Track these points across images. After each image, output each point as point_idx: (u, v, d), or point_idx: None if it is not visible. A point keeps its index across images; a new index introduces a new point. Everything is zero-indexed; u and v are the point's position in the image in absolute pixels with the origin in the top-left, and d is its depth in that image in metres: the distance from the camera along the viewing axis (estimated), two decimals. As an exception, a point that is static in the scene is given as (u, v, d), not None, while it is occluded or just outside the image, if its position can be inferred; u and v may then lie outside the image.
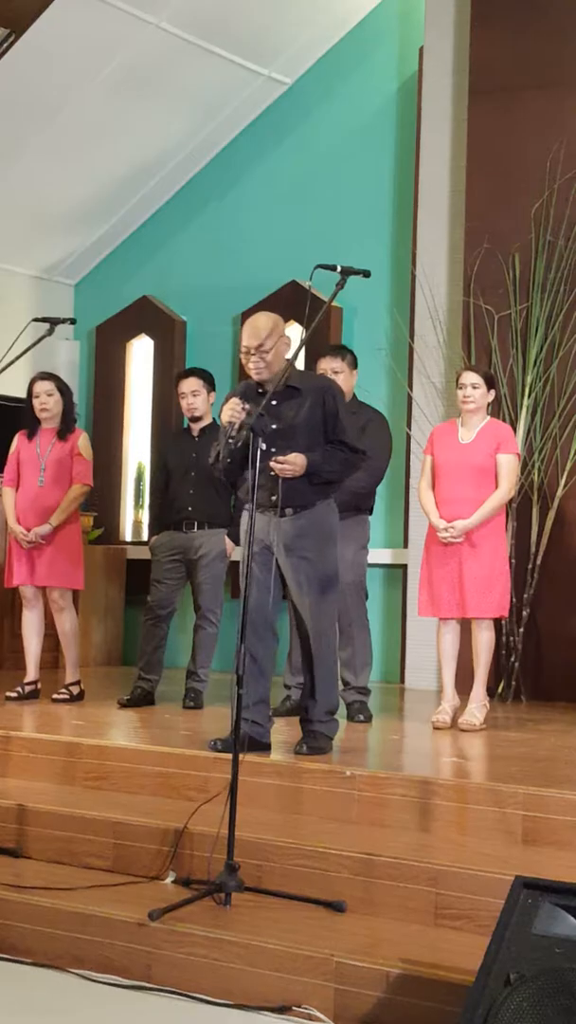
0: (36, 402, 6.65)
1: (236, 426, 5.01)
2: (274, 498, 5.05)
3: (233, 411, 5.03)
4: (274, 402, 5.15)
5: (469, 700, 5.98)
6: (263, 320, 5.19)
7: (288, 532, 5.10)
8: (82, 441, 6.66)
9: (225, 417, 5.07)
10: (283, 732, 5.59)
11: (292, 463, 5.06)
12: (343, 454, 5.23)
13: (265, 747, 5.23)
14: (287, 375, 5.04)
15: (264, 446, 4.75)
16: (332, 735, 5.32)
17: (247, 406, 5.03)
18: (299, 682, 5.89)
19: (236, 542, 6.31)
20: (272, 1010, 3.68)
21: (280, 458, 5.03)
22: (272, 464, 4.96)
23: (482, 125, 7.64)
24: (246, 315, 8.31)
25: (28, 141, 8.28)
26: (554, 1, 7.52)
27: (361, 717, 6.17)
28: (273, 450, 4.97)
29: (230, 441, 5.03)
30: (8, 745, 5.56)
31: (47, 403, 6.62)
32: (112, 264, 9.54)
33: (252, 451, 4.51)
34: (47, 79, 7.91)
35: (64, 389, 6.70)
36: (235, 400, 5.07)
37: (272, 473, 5.00)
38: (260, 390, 5.20)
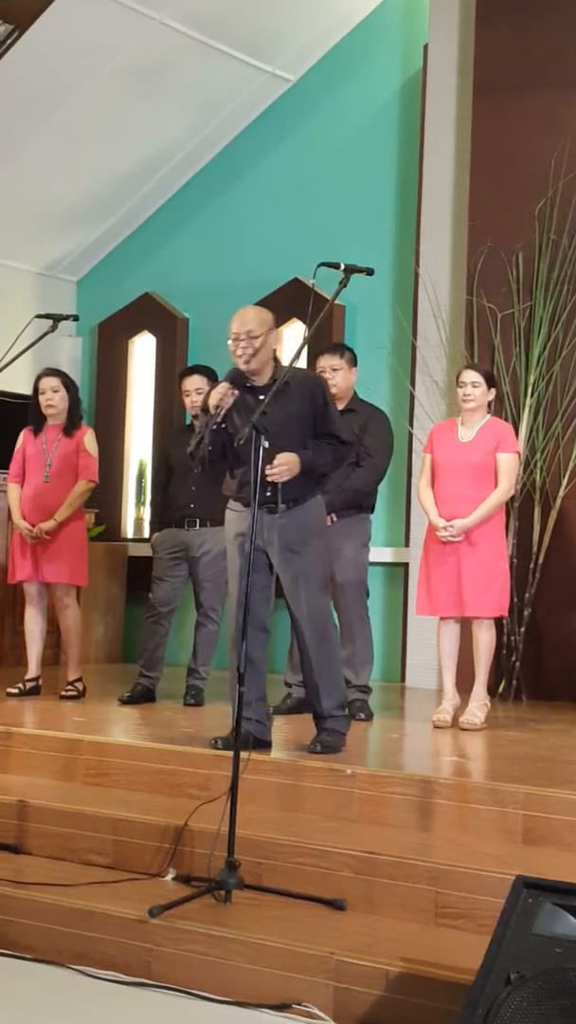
0: (42, 398, 6.66)
1: (223, 411, 4.98)
2: (268, 494, 4.94)
3: (223, 395, 4.99)
4: (261, 397, 5.14)
5: (470, 699, 5.98)
6: (252, 311, 5.17)
7: (282, 528, 5.07)
8: (88, 437, 6.67)
9: (213, 400, 5.01)
10: (284, 730, 5.59)
11: (285, 463, 4.99)
12: (331, 447, 5.21)
13: (266, 745, 5.23)
14: (287, 372, 4.95)
15: (267, 443, 4.74)
16: (345, 731, 5.29)
17: (235, 391, 5.01)
18: (299, 680, 5.87)
19: None
20: (272, 1007, 3.68)
21: (274, 464, 4.92)
22: (268, 473, 4.83)
23: (486, 123, 7.63)
24: (249, 312, 8.32)
25: (30, 138, 8.27)
26: (558, -1, 7.53)
27: (362, 715, 6.17)
28: (266, 445, 4.91)
29: (214, 427, 4.99)
30: (9, 741, 5.56)
31: (53, 399, 6.64)
32: (115, 261, 9.53)
33: (255, 450, 4.49)
34: (49, 76, 7.90)
35: (70, 385, 6.71)
36: (225, 384, 5.03)
37: (269, 480, 4.90)
38: (247, 384, 5.16)
